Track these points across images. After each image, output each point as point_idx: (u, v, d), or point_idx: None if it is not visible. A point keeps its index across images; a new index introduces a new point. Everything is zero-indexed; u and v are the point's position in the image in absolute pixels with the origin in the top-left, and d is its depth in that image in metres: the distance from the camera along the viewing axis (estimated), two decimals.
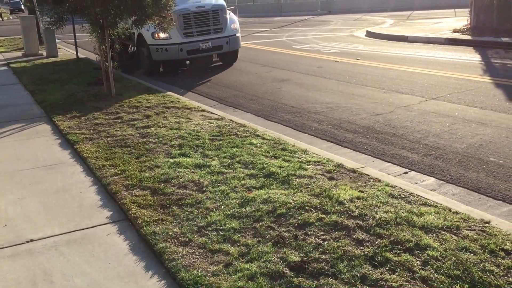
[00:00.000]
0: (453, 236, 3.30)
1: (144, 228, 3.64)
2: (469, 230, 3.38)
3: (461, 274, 2.85)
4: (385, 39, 15.90)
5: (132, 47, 12.90)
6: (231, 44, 11.88)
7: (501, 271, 2.88)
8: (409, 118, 6.69)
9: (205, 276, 2.99)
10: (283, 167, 4.70)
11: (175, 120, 6.78)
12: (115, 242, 3.58)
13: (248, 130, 6.10)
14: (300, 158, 5.00)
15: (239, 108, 8.08)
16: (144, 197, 4.20)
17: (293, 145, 5.46)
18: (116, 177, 4.68)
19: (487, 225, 3.46)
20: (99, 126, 6.67)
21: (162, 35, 10.85)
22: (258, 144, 5.49)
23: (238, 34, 12.23)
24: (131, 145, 5.71)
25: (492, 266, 2.93)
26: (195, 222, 3.71)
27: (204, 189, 4.31)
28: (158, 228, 3.62)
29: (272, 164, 4.80)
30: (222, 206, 3.95)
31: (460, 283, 2.77)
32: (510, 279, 2.80)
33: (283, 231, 3.50)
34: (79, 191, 4.55)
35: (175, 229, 3.61)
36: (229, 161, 4.98)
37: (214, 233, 3.53)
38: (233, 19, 12.13)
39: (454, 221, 3.49)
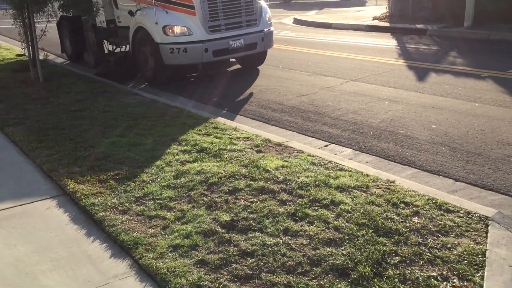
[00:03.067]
0: (363, 193, 3.80)
1: (83, 200, 3.85)
2: (376, 188, 3.90)
3: (367, 222, 3.34)
4: (311, 26, 16.59)
5: (123, 47, 9.86)
6: (267, 41, 8.96)
7: (400, 219, 3.40)
8: (331, 98, 7.23)
9: (144, 238, 3.27)
10: (214, 143, 5.03)
11: (106, 103, 6.89)
12: (55, 215, 3.76)
13: (182, 112, 6.36)
14: (230, 135, 5.35)
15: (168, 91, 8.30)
16: (81, 174, 4.37)
17: (224, 124, 5.80)
18: (51, 157, 4.79)
19: (392, 184, 3.99)
20: (28, 111, 6.63)
21: (178, 29, 8.05)
22: (191, 124, 5.78)
23: (272, 28, 9.35)
24: (64, 127, 5.79)
25: (393, 215, 3.44)
26: (132, 194, 3.95)
27: (140, 164, 4.55)
28: (97, 200, 3.84)
29: (204, 141, 5.11)
30: (158, 179, 4.22)
31: (366, 228, 3.25)
32: (407, 224, 3.32)
33: (215, 197, 3.84)
34: (14, 172, 4.63)
35: (113, 200, 3.85)
36: (163, 139, 5.24)
37: (151, 202, 3.81)
38: (265, 7, 9.18)
39: (365, 182, 4.00)
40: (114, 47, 10.23)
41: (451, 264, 2.87)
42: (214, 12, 8.17)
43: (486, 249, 3.00)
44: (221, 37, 8.29)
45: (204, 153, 4.78)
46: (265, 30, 8.92)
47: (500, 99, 6.59)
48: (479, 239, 3.12)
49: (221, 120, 6.02)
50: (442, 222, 3.33)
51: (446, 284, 2.69)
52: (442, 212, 3.47)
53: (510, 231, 3.26)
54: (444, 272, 2.80)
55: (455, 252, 2.98)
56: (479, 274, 2.78)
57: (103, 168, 4.48)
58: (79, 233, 3.47)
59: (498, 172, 4.45)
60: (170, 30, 8.07)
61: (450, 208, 3.53)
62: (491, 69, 8.21)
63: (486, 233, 3.20)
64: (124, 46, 9.89)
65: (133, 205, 3.77)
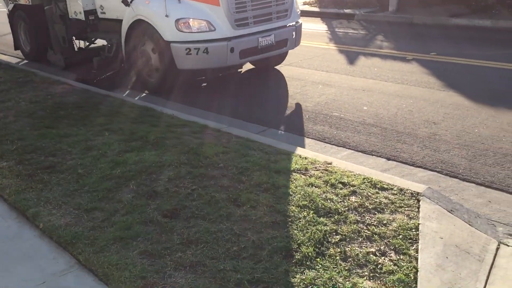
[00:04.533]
0: (302, 176, 3.88)
1: (14, 196, 3.64)
2: (315, 170, 4.00)
3: (308, 203, 3.42)
4: None
5: (111, 45, 7.70)
6: (297, 37, 7.44)
7: (339, 199, 3.51)
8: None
9: (83, 232, 3.15)
10: (151, 132, 4.92)
11: (33, 93, 6.52)
12: None
13: (114, 101, 6.16)
14: (167, 123, 5.25)
15: None
16: (9, 169, 4.12)
17: (160, 111, 5.69)
18: None
19: (329, 165, 4.10)
20: None
21: (196, 23, 6.28)
22: (126, 112, 5.61)
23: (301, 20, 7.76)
24: None
25: (332, 196, 3.55)
26: (67, 187, 3.79)
27: (74, 156, 4.37)
28: (28, 195, 3.64)
29: (141, 129, 4.99)
30: (94, 170, 4.06)
31: (307, 210, 3.34)
32: (345, 203, 3.44)
33: (155, 186, 3.77)
34: None
35: (46, 195, 3.66)
36: (97, 129, 5.05)
37: (88, 194, 3.67)
38: None
39: (303, 164, 4.09)
40: (86, 43, 8.78)
41: (388, 239, 3.01)
42: (241, 1, 6.49)
43: (419, 223, 3.18)
44: (249, 33, 6.57)
45: (141, 142, 4.66)
46: (296, 23, 7.39)
47: (425, 80, 6.95)
48: (412, 214, 3.30)
49: (157, 108, 5.89)
50: (378, 199, 3.48)
51: (384, 259, 2.83)
52: (377, 190, 3.63)
53: (439, 205, 3.48)
54: (381, 247, 2.94)
55: (390, 228, 3.13)
56: (413, 247, 2.94)
57: (33, 161, 4.25)
58: (11, 230, 3.28)
59: (425, 150, 4.71)
60: (186, 25, 6.27)
61: (384, 186, 3.69)
62: (416, 52, 8.62)
63: (418, 208, 3.39)
64: (109, 44, 7.76)
65: (68, 199, 3.61)
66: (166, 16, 6.29)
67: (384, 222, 3.20)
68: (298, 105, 6.18)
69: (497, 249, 3.06)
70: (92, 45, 9.05)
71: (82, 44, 9.00)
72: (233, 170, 3.99)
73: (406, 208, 3.38)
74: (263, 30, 6.76)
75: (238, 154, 4.32)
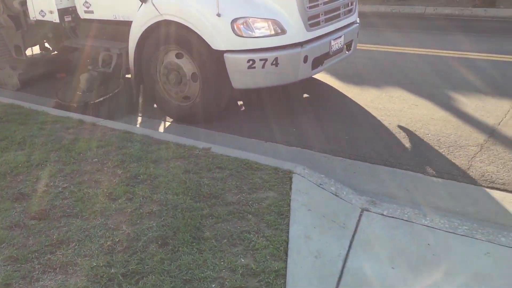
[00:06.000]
0: (180, 163, 3.88)
1: None
2: (193, 157, 4.01)
3: (185, 190, 3.44)
4: None
5: (110, 57, 5.78)
6: (356, 39, 6.03)
7: (215, 183, 3.57)
8: None
9: None
10: (18, 130, 4.59)
11: None
12: None
13: None
14: (37, 120, 4.93)
15: None
16: None
17: (29, 108, 5.32)
18: None
19: (208, 151, 4.15)
20: None
21: (261, 24, 4.68)
22: None
23: None
24: None
25: (209, 181, 3.60)
26: None
27: None
28: None
29: (6, 128, 4.63)
30: None
31: (184, 197, 3.35)
32: (221, 186, 3.51)
33: (21, 187, 3.53)
34: None
35: None
36: None
37: None
38: None
39: (182, 153, 4.09)
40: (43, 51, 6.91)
41: (261, 217, 3.14)
42: None
43: (290, 199, 3.35)
44: (321, 34, 5.08)
45: (6, 142, 4.33)
46: (358, 22, 5.99)
47: None
48: (285, 191, 3.46)
49: (25, 105, 5.49)
50: (253, 180, 3.60)
51: (257, 236, 2.94)
52: (252, 171, 3.75)
53: (310, 180, 3.70)
54: (255, 225, 3.05)
55: (264, 205, 3.26)
56: (285, 222, 3.09)
57: None
58: None
59: (298, 130, 4.96)
60: (246, 27, 4.64)
61: (260, 167, 3.82)
62: None
63: (290, 184, 3.57)
64: (105, 55, 5.72)
65: None
66: (218, 15, 4.57)
67: (258, 201, 3.33)
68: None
69: (360, 215, 3.33)
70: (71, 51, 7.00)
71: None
72: (108, 164, 3.87)
73: (279, 186, 3.53)
74: (333, 30, 5.30)
75: (114, 147, 4.20)
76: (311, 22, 4.84)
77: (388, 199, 3.63)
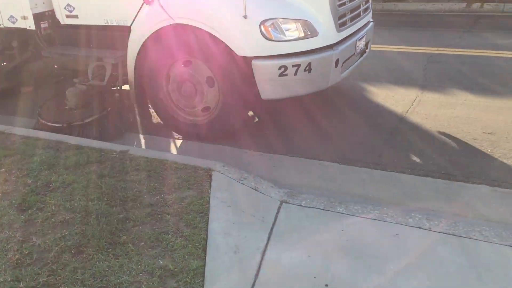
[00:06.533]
0: (96, 168, 3.76)
1: None
2: (110, 160, 3.89)
3: (101, 196, 3.33)
4: None
5: (102, 68, 5.10)
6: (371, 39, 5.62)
7: (133, 185, 3.49)
8: None
9: None
10: None
11: None
12: None
13: None
14: None
15: None
16: None
17: None
18: None
19: (125, 153, 4.04)
20: None
21: (292, 25, 4.16)
22: None
23: None
24: None
25: (125, 184, 3.51)
26: None
27: None
28: None
29: None
30: None
31: (100, 202, 3.24)
32: (139, 189, 3.44)
33: None
34: None
35: None
36: None
37: None
38: None
39: (97, 157, 3.96)
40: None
41: (180, 217, 3.11)
42: None
43: (209, 197, 3.35)
44: (348, 35, 4.68)
45: None
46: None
47: None
48: (204, 189, 3.45)
49: None
50: (171, 180, 3.56)
51: (176, 236, 2.91)
52: (171, 171, 3.71)
53: (229, 176, 3.71)
54: (174, 225, 3.02)
55: (183, 205, 3.23)
56: (204, 220, 3.08)
57: None
58: None
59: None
60: (276, 29, 4.11)
61: (179, 167, 3.79)
62: None
63: (210, 182, 3.56)
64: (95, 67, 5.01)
65: None
66: (245, 17, 4.02)
67: (177, 201, 3.29)
68: None
69: (279, 208, 3.39)
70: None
71: None
72: (16, 173, 3.67)
73: (199, 184, 3.52)
74: (356, 29, 4.89)
75: (24, 155, 3.99)
76: (340, 21, 4.43)
77: (307, 190, 3.73)
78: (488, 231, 2.99)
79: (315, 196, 3.55)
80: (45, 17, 5.08)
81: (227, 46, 4.18)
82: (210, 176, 3.64)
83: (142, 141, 4.84)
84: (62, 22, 5.11)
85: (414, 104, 5.34)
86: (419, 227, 3.04)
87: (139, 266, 2.64)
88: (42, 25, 5.08)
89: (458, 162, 4.05)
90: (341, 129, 4.84)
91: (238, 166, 4.05)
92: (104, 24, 4.79)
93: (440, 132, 4.62)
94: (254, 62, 4.15)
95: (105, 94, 5.14)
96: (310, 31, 4.16)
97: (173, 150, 4.55)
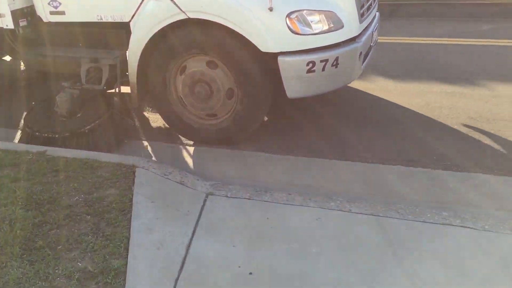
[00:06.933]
0: (9, 171, 3.55)
1: None
2: (26, 163, 3.69)
3: (14, 200, 3.15)
4: None
5: (100, 71, 4.54)
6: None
7: (51, 186, 3.33)
8: None
9: None
10: None
11: None
12: None
13: None
14: None
15: None
16: None
17: None
18: None
19: (43, 154, 3.85)
20: None
21: (318, 17, 3.80)
22: None
23: None
24: None
25: (42, 186, 3.34)
26: None
27: None
28: None
29: None
30: None
31: (12, 207, 3.07)
32: (57, 190, 3.29)
33: None
34: None
35: None
36: None
37: None
38: None
39: (12, 159, 3.75)
40: None
41: (101, 216, 3.01)
42: None
43: (132, 194, 3.27)
44: (366, 26, 4.37)
45: None
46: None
47: None
48: (127, 186, 3.36)
49: None
50: (92, 179, 3.43)
51: (97, 237, 2.82)
52: (92, 170, 3.58)
53: (154, 172, 3.64)
54: (94, 226, 2.92)
55: (105, 204, 3.13)
56: (127, 218, 3.01)
57: None
58: None
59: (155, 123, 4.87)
60: (302, 22, 3.79)
61: (101, 165, 3.66)
62: None
63: (133, 179, 3.48)
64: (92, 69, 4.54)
65: None
66: (270, 9, 3.70)
67: (98, 200, 3.18)
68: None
69: (205, 200, 3.37)
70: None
71: None
72: None
73: (121, 182, 3.42)
74: (371, 20, 4.59)
75: None
76: (362, 11, 4.13)
77: (233, 181, 3.73)
78: (404, 209, 3.14)
79: (242, 186, 3.56)
80: (23, 13, 4.58)
81: (248, 43, 3.82)
82: (134, 172, 3.56)
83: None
84: (45, 20, 4.59)
85: None
86: (340, 210, 3.14)
87: (57, 271, 2.53)
88: (21, 23, 4.56)
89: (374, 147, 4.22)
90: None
91: (169, 162, 3.98)
92: (97, 20, 4.36)
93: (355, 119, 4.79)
94: (280, 58, 3.81)
95: (102, 98, 4.65)
96: (335, 23, 3.87)
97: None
